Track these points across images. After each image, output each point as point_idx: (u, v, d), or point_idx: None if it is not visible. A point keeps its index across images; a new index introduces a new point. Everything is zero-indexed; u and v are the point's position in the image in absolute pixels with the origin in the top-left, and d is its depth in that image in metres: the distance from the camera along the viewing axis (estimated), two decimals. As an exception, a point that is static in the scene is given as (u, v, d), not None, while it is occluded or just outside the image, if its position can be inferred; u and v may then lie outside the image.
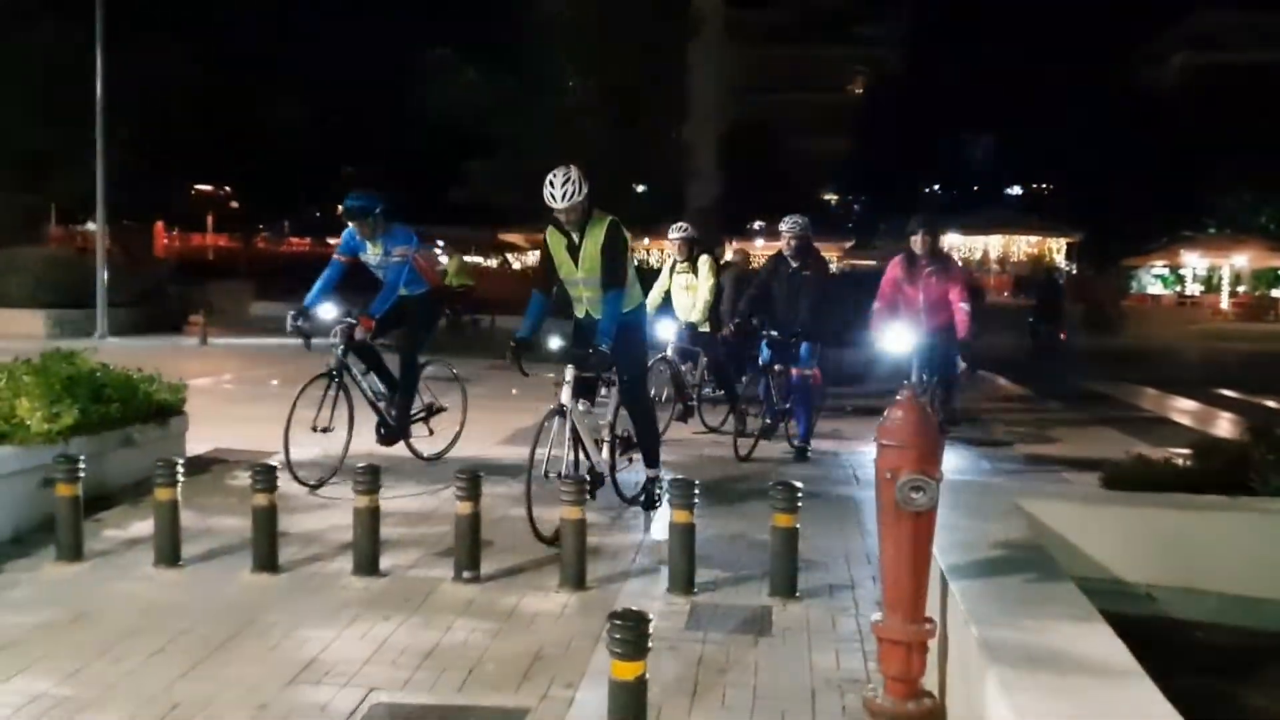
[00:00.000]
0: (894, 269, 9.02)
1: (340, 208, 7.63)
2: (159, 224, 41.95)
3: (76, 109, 19.88)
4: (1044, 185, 63.67)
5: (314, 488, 7.28)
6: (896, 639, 3.68)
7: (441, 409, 8.52)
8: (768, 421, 9.30)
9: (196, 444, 8.18)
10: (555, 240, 6.63)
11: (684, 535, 5.38)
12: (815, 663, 4.61)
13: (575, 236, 6.52)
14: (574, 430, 6.37)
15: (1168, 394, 15.90)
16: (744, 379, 10.10)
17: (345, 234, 7.86)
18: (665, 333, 10.10)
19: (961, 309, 8.53)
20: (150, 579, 5.49)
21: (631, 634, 3.50)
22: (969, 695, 3.32)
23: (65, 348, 7.44)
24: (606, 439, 6.85)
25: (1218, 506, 5.00)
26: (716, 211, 30.34)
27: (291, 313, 7.68)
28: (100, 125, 18.50)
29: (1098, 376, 18.01)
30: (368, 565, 5.56)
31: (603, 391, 7.06)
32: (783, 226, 9.10)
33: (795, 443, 9.29)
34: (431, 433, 8.42)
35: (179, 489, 5.70)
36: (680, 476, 5.75)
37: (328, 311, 7.81)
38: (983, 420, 12.25)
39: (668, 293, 10.49)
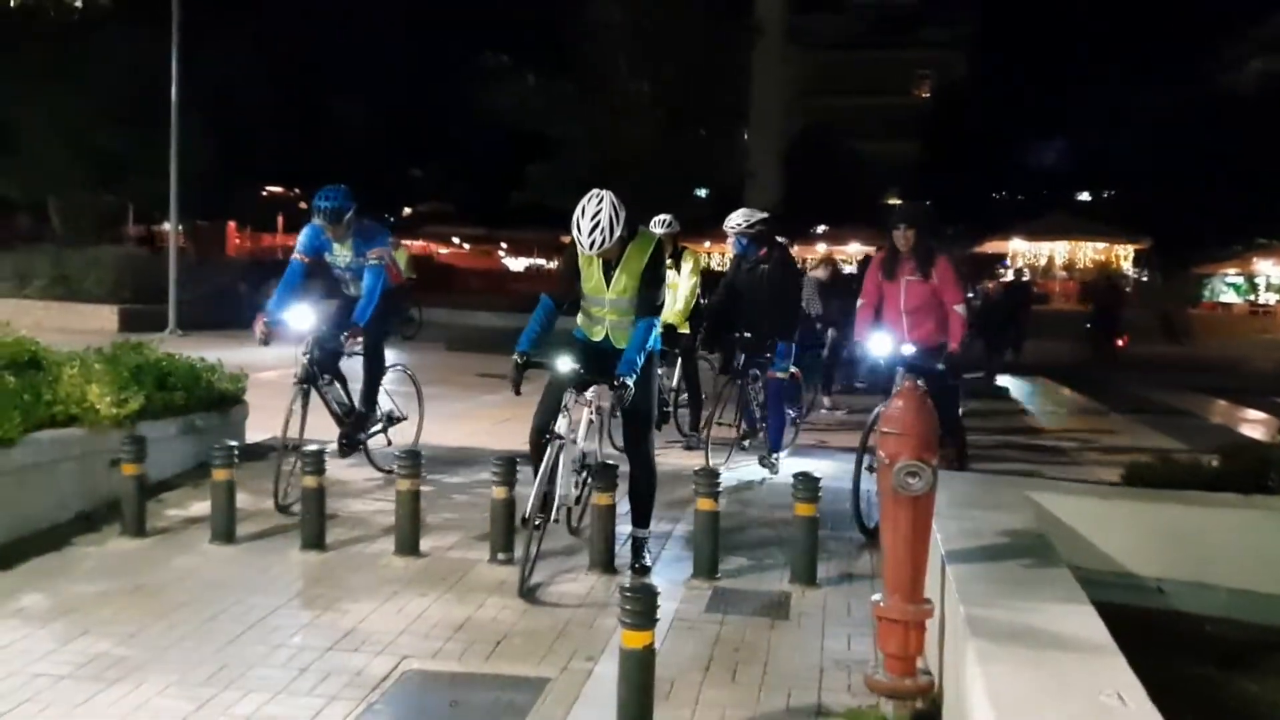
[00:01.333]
0: (875, 267, 7.58)
1: (314, 206, 7.04)
2: (231, 224, 43.04)
3: (151, 112, 20.62)
4: (1113, 191, 62.68)
5: (285, 508, 6.57)
6: (895, 618, 3.88)
7: (401, 418, 7.98)
8: (744, 429, 8.65)
9: (256, 432, 8.55)
10: (587, 257, 5.61)
11: (707, 522, 5.61)
12: (827, 645, 4.81)
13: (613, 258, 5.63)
14: (559, 464, 5.51)
15: (1235, 404, 15.69)
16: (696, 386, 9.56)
17: (307, 232, 7.21)
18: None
19: (957, 314, 7.00)
20: (206, 554, 5.84)
21: (640, 605, 3.73)
22: (957, 669, 3.50)
23: (136, 340, 7.86)
24: (576, 467, 5.90)
25: (1230, 504, 5.11)
26: (777, 214, 30.45)
27: (261, 321, 6.91)
28: (174, 128, 19.15)
29: (1160, 385, 17.79)
30: (409, 546, 5.86)
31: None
32: (729, 223, 8.40)
33: (764, 459, 8.40)
34: (390, 444, 7.79)
35: (234, 471, 6.06)
36: (706, 466, 5.96)
37: (302, 318, 7.13)
38: (1064, 447, 10.98)
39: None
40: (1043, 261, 49.97)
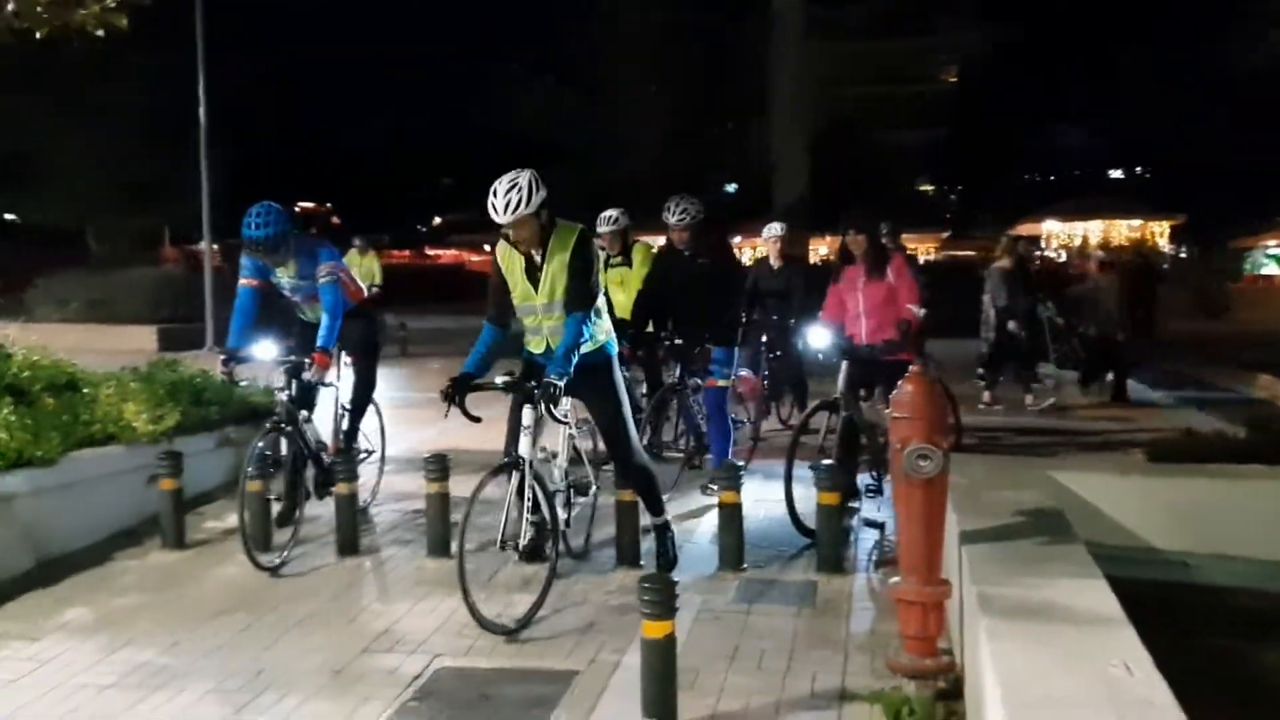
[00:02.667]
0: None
1: (243, 236, 6.19)
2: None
3: (180, 135, 20.96)
4: (1146, 168, 61.97)
5: (274, 569, 5.86)
6: (912, 599, 3.94)
7: (370, 452, 7.32)
8: (691, 447, 7.89)
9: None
10: (509, 259, 5.32)
11: (732, 515, 5.67)
12: (852, 630, 4.86)
13: (536, 255, 5.23)
14: (533, 488, 5.11)
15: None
16: (644, 399, 8.29)
17: (245, 257, 6.41)
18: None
19: (911, 313, 6.66)
20: (243, 564, 5.96)
21: (659, 595, 3.81)
22: (973, 647, 3.55)
23: (173, 358, 8.04)
24: (562, 486, 5.69)
25: (1251, 475, 5.10)
26: (804, 207, 30.40)
27: (221, 357, 6.31)
28: (203, 149, 19.45)
29: (1201, 363, 17.43)
30: (439, 548, 5.97)
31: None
32: (669, 216, 7.41)
33: (706, 486, 7.22)
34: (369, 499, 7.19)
35: (269, 483, 6.19)
36: (728, 460, 6.03)
37: (264, 350, 6.39)
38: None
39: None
40: (1077, 241, 49.53)
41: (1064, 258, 22.66)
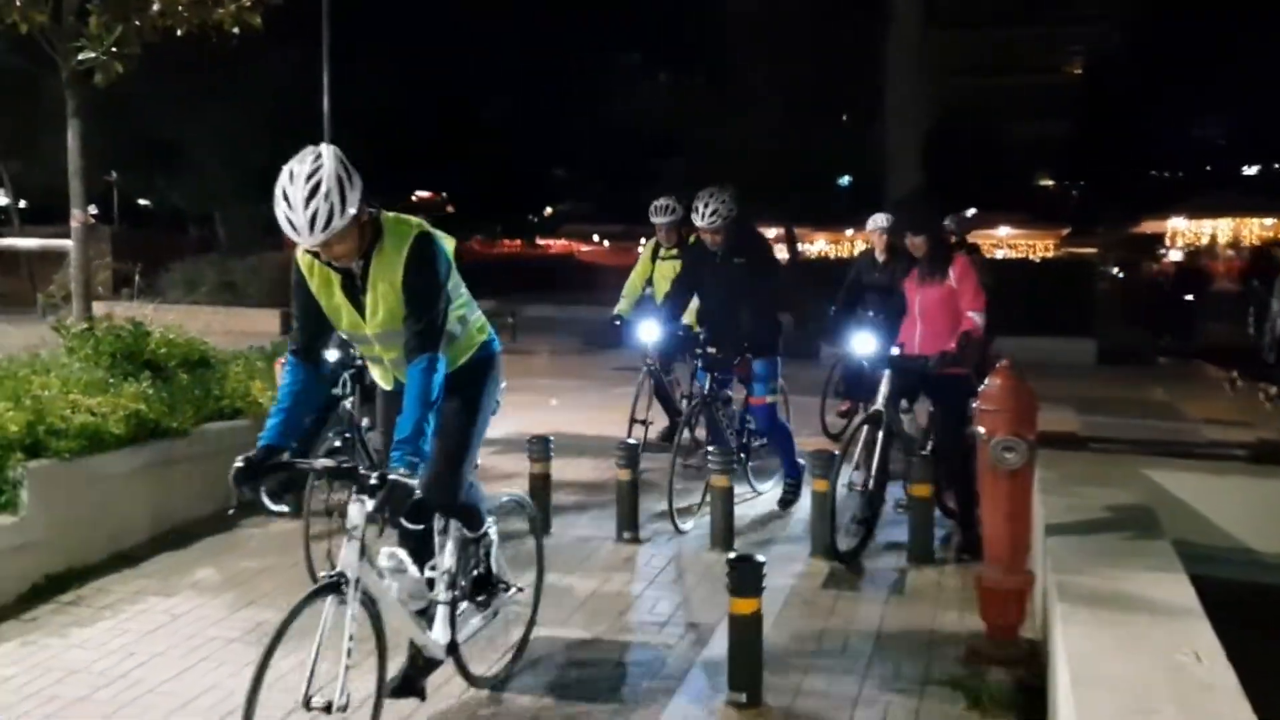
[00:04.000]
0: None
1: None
2: (384, 228, 44.90)
3: (305, 126, 21.77)
4: (1282, 163, 59.33)
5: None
6: (995, 588, 4.02)
7: None
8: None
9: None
10: (320, 278, 3.70)
11: (823, 502, 5.79)
12: (939, 619, 4.95)
13: (356, 267, 3.63)
14: (372, 615, 3.59)
15: None
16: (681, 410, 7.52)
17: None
18: (648, 335, 7.58)
19: (971, 320, 5.89)
20: (358, 534, 6.32)
21: (747, 575, 3.98)
22: (1048, 633, 3.63)
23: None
24: (444, 597, 4.04)
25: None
26: (919, 200, 30.04)
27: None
28: (326, 138, 20.17)
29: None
30: (540, 526, 6.22)
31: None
32: (698, 218, 6.52)
33: (784, 499, 6.81)
34: None
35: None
36: (821, 450, 6.14)
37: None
38: None
39: (648, 285, 8.21)
40: (1205, 240, 47.81)
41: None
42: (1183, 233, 47.22)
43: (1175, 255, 46.74)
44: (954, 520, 6.10)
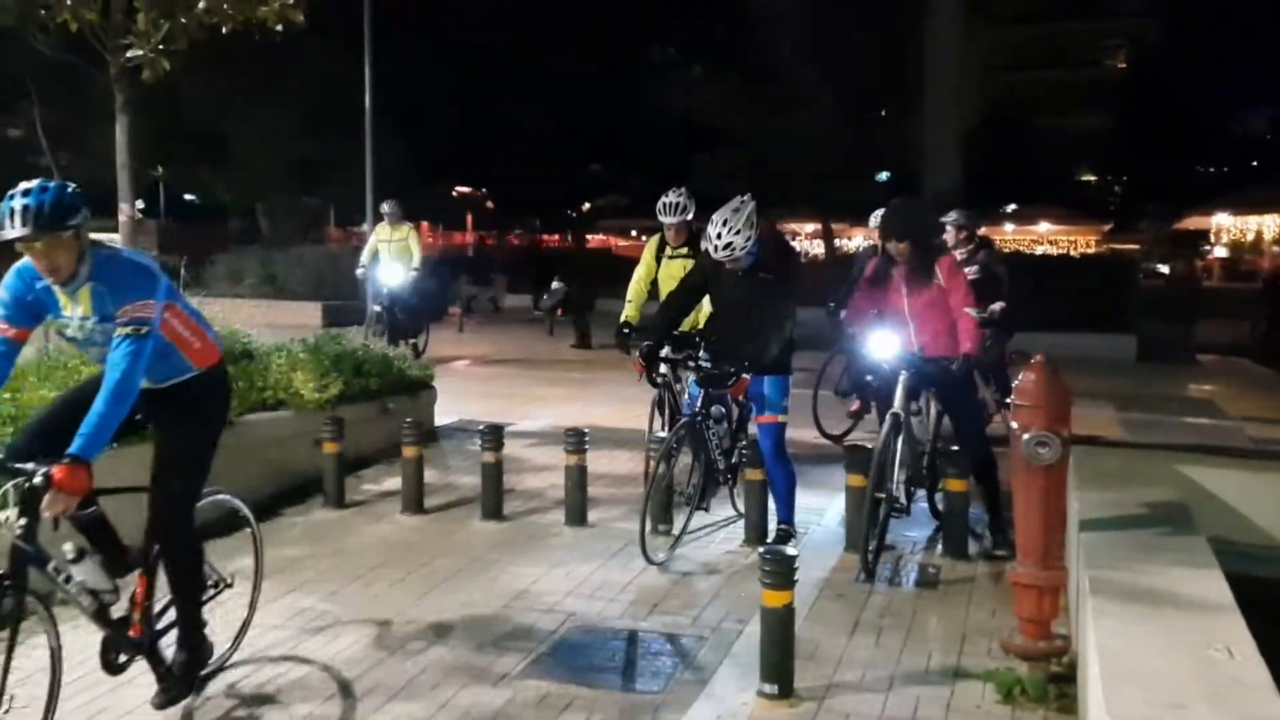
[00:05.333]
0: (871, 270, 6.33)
1: None
2: (424, 224, 45.24)
3: (346, 120, 21.98)
4: (1332, 158, 58.23)
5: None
6: (1027, 583, 4.03)
7: (226, 585, 4.55)
8: (698, 487, 6.20)
9: (444, 415, 9.18)
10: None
11: (858, 498, 5.81)
12: (971, 613, 4.97)
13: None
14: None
15: None
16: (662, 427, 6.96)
17: (10, 277, 3.78)
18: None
19: (969, 317, 5.77)
20: (397, 523, 6.43)
21: (779, 568, 4.02)
22: (1080, 628, 3.65)
23: (336, 332, 8.61)
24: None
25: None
26: (958, 196, 29.83)
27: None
28: (368, 134, 20.34)
29: None
30: (577, 517, 6.31)
31: None
32: (708, 246, 5.69)
33: (780, 532, 5.92)
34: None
35: (423, 449, 6.63)
36: (858, 444, 6.16)
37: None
38: None
39: (653, 289, 7.40)
40: (1250, 236, 47.09)
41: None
42: (1227, 229, 46.52)
43: (1220, 251, 46.13)
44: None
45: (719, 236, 5.57)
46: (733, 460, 6.35)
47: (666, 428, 6.73)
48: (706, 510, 6.37)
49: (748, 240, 5.58)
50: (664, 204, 7.06)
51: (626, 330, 7.22)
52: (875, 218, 8.24)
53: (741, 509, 6.34)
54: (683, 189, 7.09)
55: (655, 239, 7.41)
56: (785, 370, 5.92)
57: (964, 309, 5.77)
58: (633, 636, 4.73)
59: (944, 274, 5.84)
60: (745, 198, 5.71)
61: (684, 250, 7.15)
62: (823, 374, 9.65)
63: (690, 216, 7.04)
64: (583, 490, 6.35)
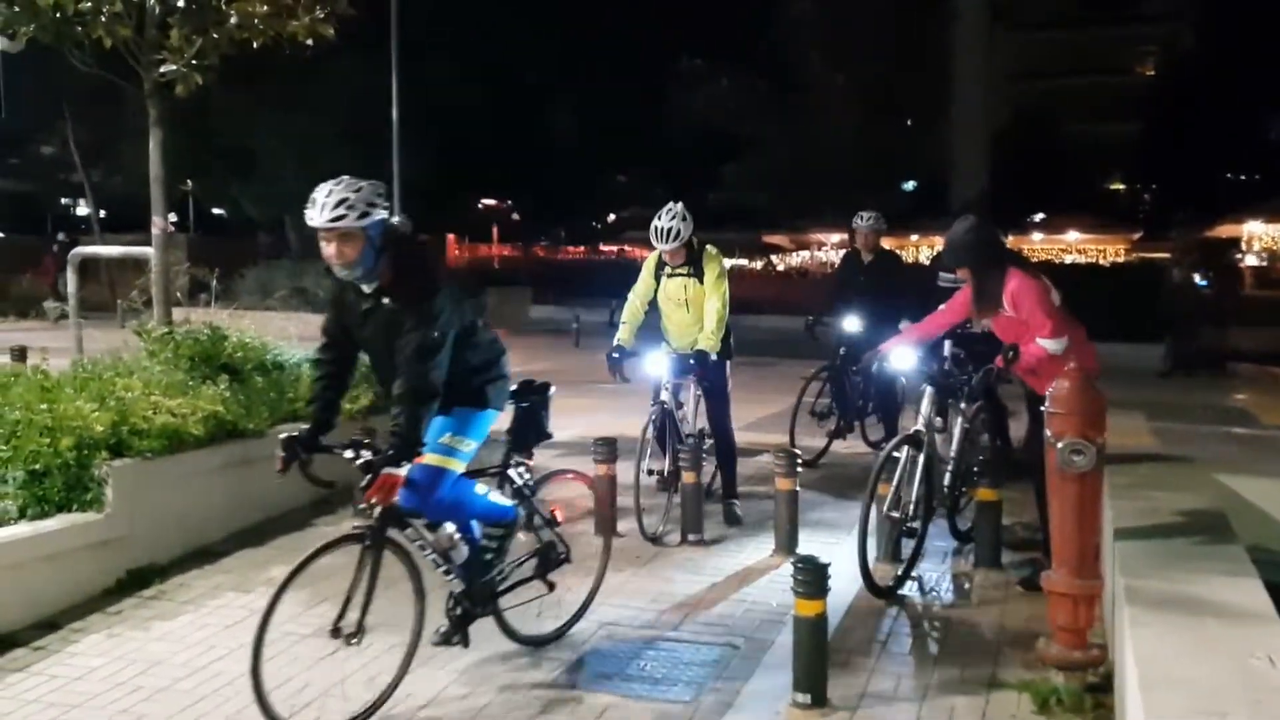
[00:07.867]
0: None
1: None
2: (451, 236, 45.42)
3: (374, 132, 22.16)
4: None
5: None
6: (1062, 591, 4.00)
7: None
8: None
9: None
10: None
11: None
12: (1005, 624, 4.94)
13: None
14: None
15: None
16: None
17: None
18: (656, 368, 6.74)
19: (1039, 347, 5.24)
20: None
21: (812, 577, 4.00)
22: (1117, 637, 3.61)
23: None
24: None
25: None
26: (984, 204, 29.73)
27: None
28: (395, 146, 20.52)
29: None
30: (608, 526, 6.28)
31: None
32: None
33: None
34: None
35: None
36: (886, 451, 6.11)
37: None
38: None
39: (651, 308, 7.01)
40: (1280, 245, 46.61)
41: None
42: (1259, 237, 46.06)
43: (1251, 260, 45.65)
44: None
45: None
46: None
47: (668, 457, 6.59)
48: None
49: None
50: (657, 230, 6.47)
51: (617, 355, 6.72)
52: (860, 219, 8.57)
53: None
54: (677, 208, 6.50)
55: (655, 255, 6.86)
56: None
57: (1039, 338, 5.15)
58: (664, 645, 4.72)
59: (1010, 303, 5.27)
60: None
61: (684, 269, 6.69)
62: (804, 390, 8.66)
63: (688, 236, 6.49)
64: (612, 500, 6.33)
